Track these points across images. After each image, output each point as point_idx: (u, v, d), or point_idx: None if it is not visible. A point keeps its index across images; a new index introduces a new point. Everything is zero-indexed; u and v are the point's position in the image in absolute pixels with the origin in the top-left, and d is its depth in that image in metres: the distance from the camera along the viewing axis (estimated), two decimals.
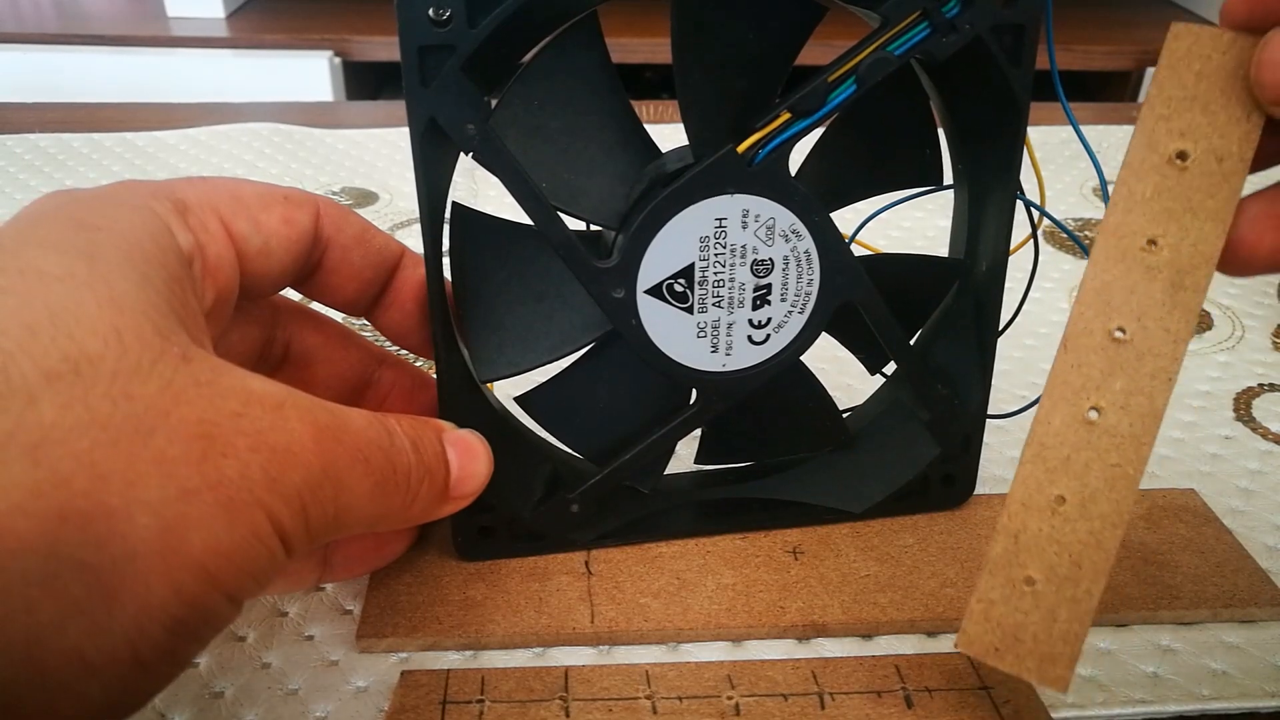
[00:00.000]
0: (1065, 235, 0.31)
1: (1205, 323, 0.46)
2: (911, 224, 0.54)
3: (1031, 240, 0.31)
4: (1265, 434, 0.38)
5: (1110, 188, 0.24)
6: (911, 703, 0.26)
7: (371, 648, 0.28)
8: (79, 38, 1.16)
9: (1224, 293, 0.48)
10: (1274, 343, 0.44)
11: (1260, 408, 0.40)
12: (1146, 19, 1.30)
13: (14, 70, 1.13)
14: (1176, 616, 0.29)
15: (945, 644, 0.28)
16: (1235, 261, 0.23)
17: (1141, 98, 1.19)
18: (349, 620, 0.29)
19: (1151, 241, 0.24)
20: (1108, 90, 1.26)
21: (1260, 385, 0.41)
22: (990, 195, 0.29)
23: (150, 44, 1.17)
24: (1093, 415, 0.24)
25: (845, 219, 0.29)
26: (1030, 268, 0.32)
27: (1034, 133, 0.28)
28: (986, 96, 0.28)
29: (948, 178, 0.31)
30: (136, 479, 0.18)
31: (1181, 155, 0.23)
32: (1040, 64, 0.27)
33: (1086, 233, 0.53)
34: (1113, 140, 0.62)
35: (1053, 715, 0.26)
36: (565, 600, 0.29)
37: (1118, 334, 0.24)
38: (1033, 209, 0.30)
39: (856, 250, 0.29)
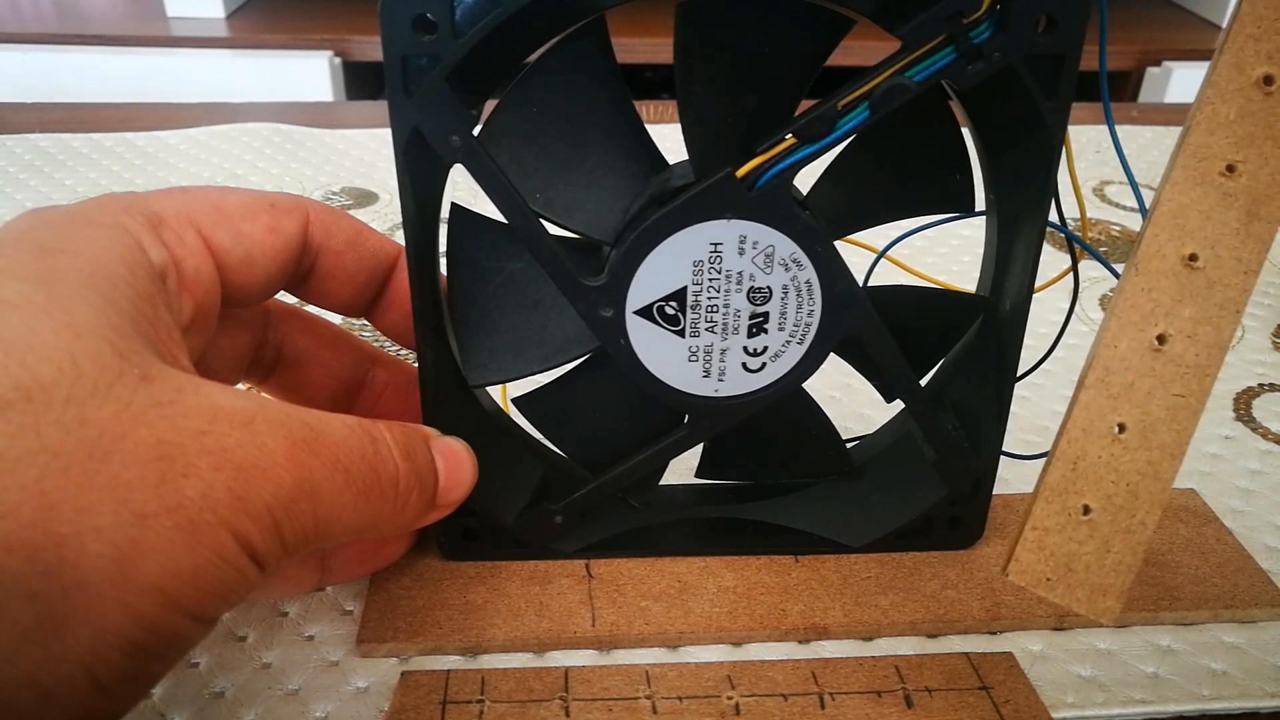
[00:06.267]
0: (1101, 264, 0.29)
1: None
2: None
3: (1072, 275, 0.29)
4: (1265, 434, 0.38)
5: (1140, 190, 0.23)
6: (911, 703, 0.26)
7: (372, 652, 0.28)
8: (79, 38, 1.16)
9: None
10: (1274, 343, 0.44)
11: (1260, 408, 0.40)
12: (1146, 19, 1.30)
13: (14, 70, 1.13)
14: (1177, 618, 0.29)
15: (946, 645, 0.28)
16: None
17: (1141, 98, 1.19)
18: (349, 620, 0.29)
19: (1230, 167, 0.22)
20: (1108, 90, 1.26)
21: (1260, 385, 0.41)
22: (1019, 230, 0.27)
23: (150, 44, 1.17)
24: (1160, 343, 0.23)
25: (874, 236, 0.28)
26: (1068, 306, 0.29)
27: None
28: (1016, 127, 0.26)
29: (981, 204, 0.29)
30: (89, 505, 0.17)
31: (1269, 80, 0.22)
32: (1086, 65, 0.25)
33: (1093, 234, 0.53)
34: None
35: (1053, 715, 0.26)
36: (566, 604, 0.29)
37: (1190, 260, 0.23)
38: (1076, 244, 0.28)
39: (888, 267, 0.28)
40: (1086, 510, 0.24)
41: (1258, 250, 0.22)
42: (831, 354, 0.28)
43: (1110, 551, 0.24)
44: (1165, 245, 0.23)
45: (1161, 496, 0.23)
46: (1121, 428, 0.23)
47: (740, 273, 0.26)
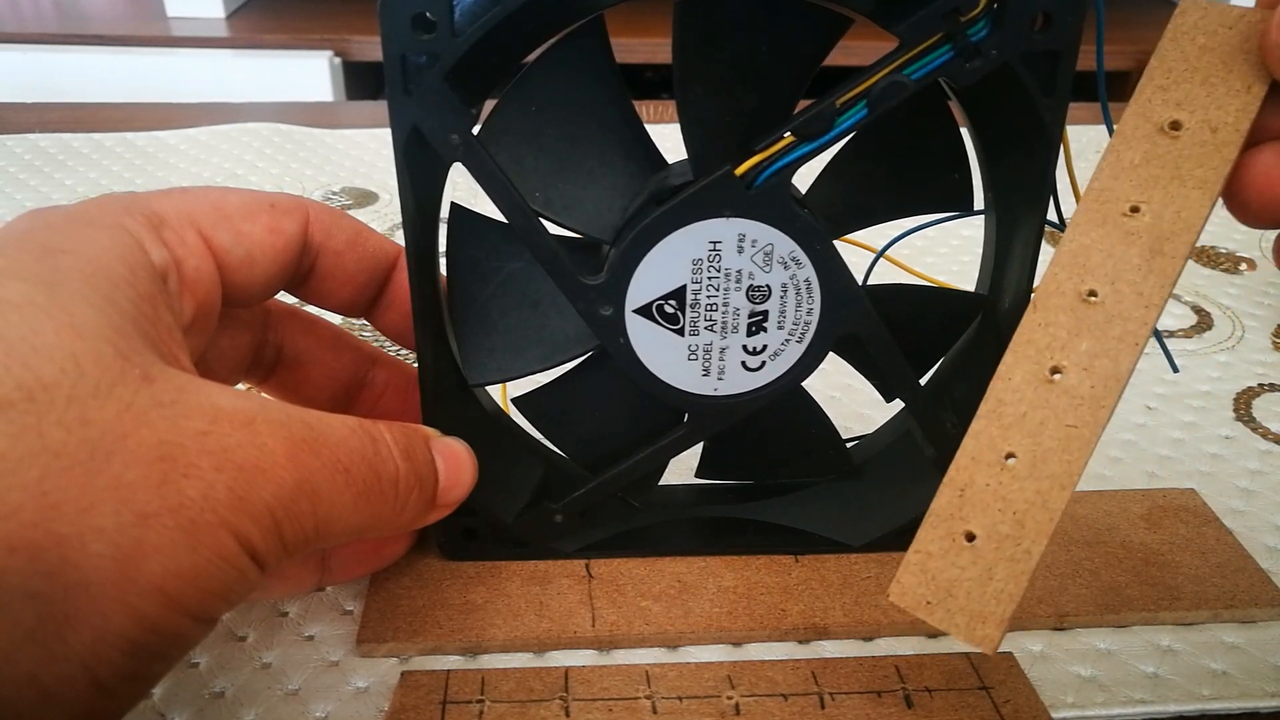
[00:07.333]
0: None
1: (1205, 323, 0.46)
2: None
3: None
4: (1265, 434, 0.38)
5: None
6: (911, 703, 0.26)
7: (372, 652, 0.28)
8: (79, 38, 1.16)
9: (1224, 293, 0.48)
10: (1274, 343, 0.44)
11: (1260, 408, 0.40)
12: (1146, 19, 1.30)
13: (14, 70, 1.13)
14: (1177, 617, 0.29)
15: (946, 645, 0.28)
16: (1250, 211, 0.23)
17: None
18: (349, 620, 0.29)
19: (1134, 208, 0.23)
20: (1107, 90, 1.26)
21: (1260, 385, 0.41)
22: (1018, 227, 0.27)
23: (150, 44, 1.17)
24: (1054, 375, 0.23)
25: (874, 236, 0.28)
26: None
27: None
28: (1014, 125, 0.26)
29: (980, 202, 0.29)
30: (90, 506, 0.18)
31: (1175, 125, 0.23)
32: (1083, 64, 0.25)
33: None
34: None
35: (1053, 715, 0.26)
36: (566, 604, 0.29)
37: (1089, 296, 0.23)
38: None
39: (887, 267, 0.28)
40: (971, 537, 0.23)
41: (1160, 285, 0.23)
42: (831, 354, 0.28)
43: (992, 579, 0.23)
44: (1064, 283, 0.24)
45: (1049, 526, 0.23)
46: (1011, 456, 0.23)
47: (739, 271, 0.26)
